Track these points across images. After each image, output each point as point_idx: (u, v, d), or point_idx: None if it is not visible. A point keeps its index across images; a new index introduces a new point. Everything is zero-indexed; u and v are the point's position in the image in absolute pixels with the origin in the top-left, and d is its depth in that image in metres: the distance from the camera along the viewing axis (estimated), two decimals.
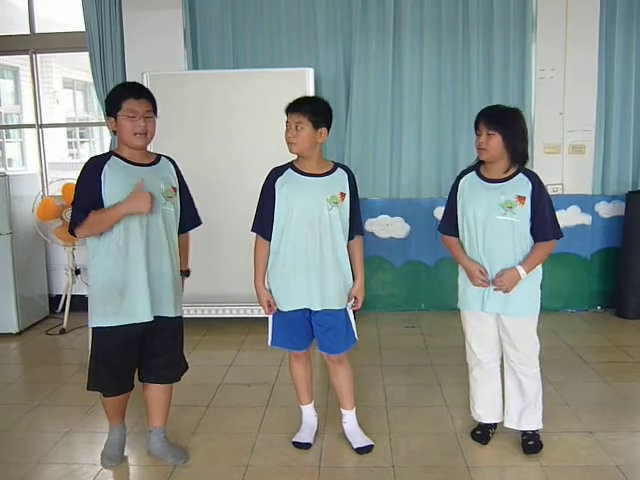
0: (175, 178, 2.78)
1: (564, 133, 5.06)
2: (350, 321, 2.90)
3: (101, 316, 2.61)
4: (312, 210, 2.72)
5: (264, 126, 4.64)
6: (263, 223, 2.81)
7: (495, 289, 2.73)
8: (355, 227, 2.85)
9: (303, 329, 2.86)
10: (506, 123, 2.68)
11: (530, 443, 2.89)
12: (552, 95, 5.02)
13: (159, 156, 2.79)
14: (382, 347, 4.44)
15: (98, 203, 2.53)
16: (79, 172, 2.62)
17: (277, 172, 2.81)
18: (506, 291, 2.71)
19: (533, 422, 2.89)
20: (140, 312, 2.61)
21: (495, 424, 3.01)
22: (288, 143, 2.74)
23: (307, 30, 5.08)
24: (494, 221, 2.70)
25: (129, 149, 2.62)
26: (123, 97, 2.55)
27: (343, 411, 3.01)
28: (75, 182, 2.65)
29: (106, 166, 2.55)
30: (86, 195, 2.55)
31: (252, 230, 2.87)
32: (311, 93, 4.57)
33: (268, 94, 4.63)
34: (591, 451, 2.88)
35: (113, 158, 2.60)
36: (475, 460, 2.84)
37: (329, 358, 2.92)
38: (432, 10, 4.99)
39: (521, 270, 2.68)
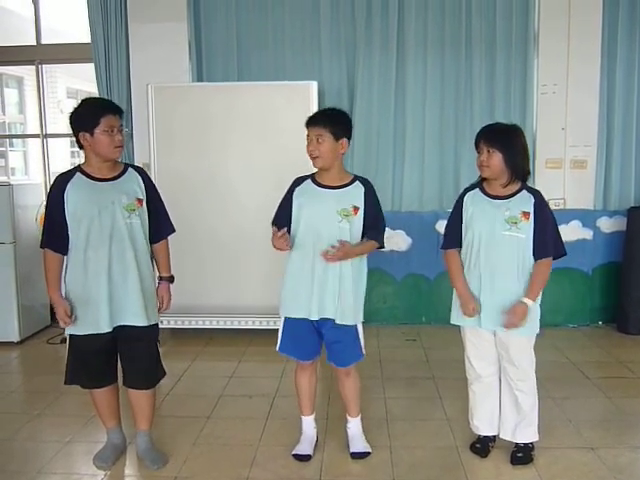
0: (142, 189, 2.80)
1: (566, 148, 5.08)
2: (359, 337, 2.91)
3: (71, 324, 2.76)
4: (321, 221, 2.75)
5: (268, 138, 4.68)
6: (278, 228, 2.85)
7: (505, 326, 2.72)
8: (372, 238, 2.81)
9: (310, 339, 2.88)
10: (506, 140, 2.73)
11: (519, 455, 2.91)
12: (554, 110, 5.05)
13: (126, 167, 2.81)
14: (383, 360, 4.44)
15: (62, 222, 2.66)
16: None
17: (298, 182, 2.88)
18: (517, 326, 2.71)
19: (527, 435, 2.91)
20: (101, 323, 2.72)
21: (494, 437, 3.01)
22: (311, 157, 2.77)
23: (311, 44, 5.13)
24: (499, 236, 2.72)
25: (97, 163, 2.69)
26: (102, 113, 2.62)
27: (348, 417, 3.06)
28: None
29: (69, 185, 2.66)
30: (51, 215, 2.69)
31: None
32: (314, 106, 4.61)
33: (272, 107, 4.66)
34: (592, 467, 2.87)
35: (77, 175, 2.69)
36: (475, 474, 2.83)
37: (336, 369, 2.96)
38: (435, 25, 5.03)
39: (528, 302, 2.70)
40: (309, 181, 2.86)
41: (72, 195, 2.65)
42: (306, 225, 2.78)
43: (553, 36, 5.00)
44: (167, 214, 2.97)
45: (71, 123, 2.68)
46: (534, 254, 2.74)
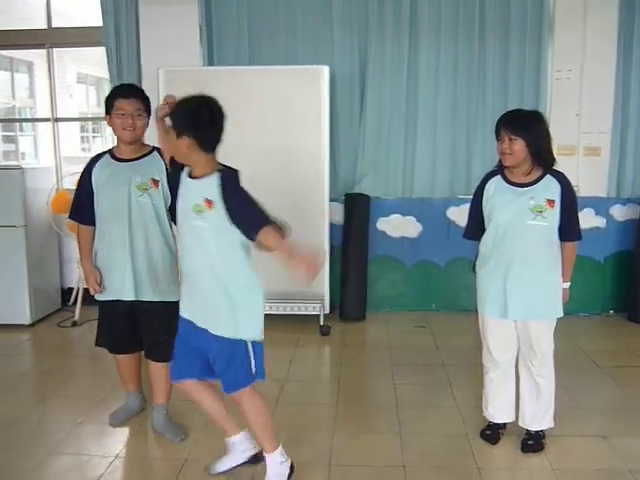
0: (161, 171, 2.91)
1: (580, 135, 5.03)
2: (246, 356, 2.36)
3: (100, 291, 2.97)
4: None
5: (279, 123, 4.65)
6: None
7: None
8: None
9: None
10: (528, 126, 2.68)
11: (530, 442, 2.90)
12: (568, 96, 4.98)
13: (152, 150, 2.97)
14: (392, 347, 4.43)
15: (88, 197, 2.92)
16: None
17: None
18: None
19: (545, 422, 2.90)
20: (125, 291, 2.91)
21: (504, 424, 3.00)
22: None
23: (323, 28, 5.06)
24: (524, 226, 2.68)
25: (121, 145, 2.96)
26: (114, 97, 2.90)
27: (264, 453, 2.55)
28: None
29: (97, 164, 2.94)
30: (79, 191, 3.00)
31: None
32: (326, 91, 4.57)
33: (283, 91, 4.63)
34: (603, 455, 2.87)
35: (106, 156, 2.97)
36: (485, 461, 2.83)
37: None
38: (449, 9, 4.96)
39: (567, 285, 2.82)
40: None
41: (96, 173, 2.91)
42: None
43: (568, 21, 4.92)
44: None
45: None
46: (563, 237, 2.74)
